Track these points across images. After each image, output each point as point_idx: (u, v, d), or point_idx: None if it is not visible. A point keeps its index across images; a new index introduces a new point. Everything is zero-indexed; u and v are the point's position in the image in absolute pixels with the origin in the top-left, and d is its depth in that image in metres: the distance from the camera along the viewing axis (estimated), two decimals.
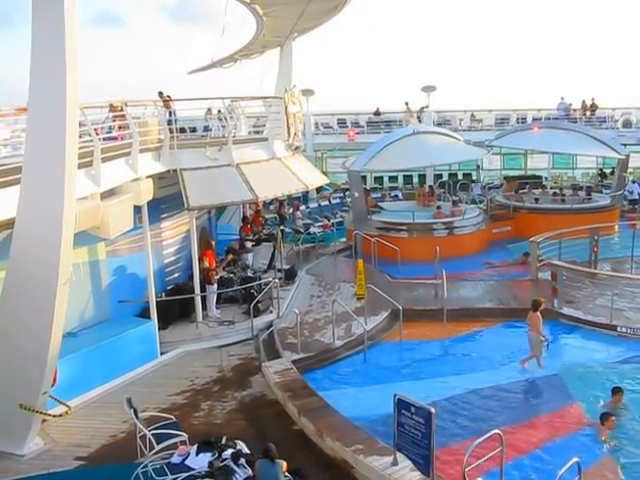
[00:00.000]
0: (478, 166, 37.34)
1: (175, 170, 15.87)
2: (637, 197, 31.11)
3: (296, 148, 20.15)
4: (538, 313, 14.62)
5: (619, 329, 16.47)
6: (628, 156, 29.08)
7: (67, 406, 11.25)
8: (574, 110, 36.90)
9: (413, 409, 9.35)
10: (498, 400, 13.22)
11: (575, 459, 8.75)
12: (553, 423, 12.28)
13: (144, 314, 15.44)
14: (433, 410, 9.09)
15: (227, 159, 16.49)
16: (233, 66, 27.02)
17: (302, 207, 29.34)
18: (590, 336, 16.55)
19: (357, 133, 35.04)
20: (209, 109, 22.18)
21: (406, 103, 36.77)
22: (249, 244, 21.06)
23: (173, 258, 18.21)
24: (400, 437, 9.62)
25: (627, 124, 35.00)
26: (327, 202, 31.59)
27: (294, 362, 14.03)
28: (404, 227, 24.13)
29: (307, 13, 17.69)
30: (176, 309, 16.53)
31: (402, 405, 9.51)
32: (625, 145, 30.52)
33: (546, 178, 35.69)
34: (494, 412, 12.67)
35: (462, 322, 17.09)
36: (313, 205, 30.99)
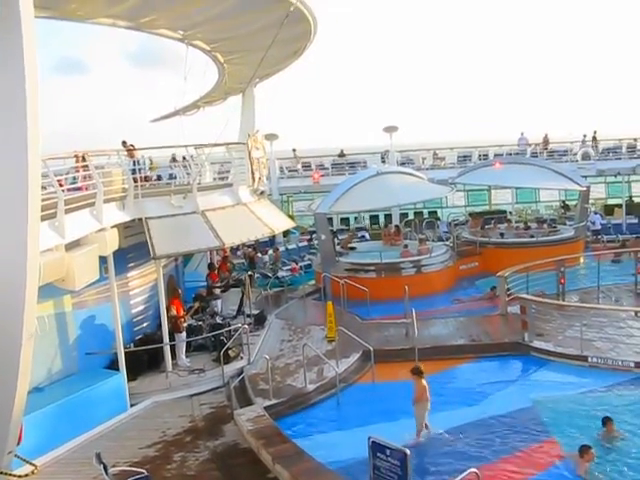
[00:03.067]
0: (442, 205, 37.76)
1: (140, 219, 15.79)
2: (599, 227, 31.70)
3: (261, 193, 20.17)
4: (423, 380, 13.32)
5: (590, 359, 16.61)
6: (589, 187, 29.65)
7: (33, 465, 10.91)
8: (535, 145, 37.74)
9: (388, 451, 9.30)
10: (474, 437, 13.15)
11: None
12: (530, 458, 12.24)
13: (113, 366, 15.20)
14: (408, 452, 9.04)
15: (192, 206, 16.46)
16: (196, 113, 27.08)
17: (270, 251, 29.24)
18: (562, 368, 16.64)
19: (322, 175, 35.21)
20: (173, 157, 22.18)
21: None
22: (217, 290, 20.91)
23: (141, 308, 17.99)
24: None
25: (586, 157, 35.77)
26: (305, 243, 31.60)
27: (266, 408, 13.86)
28: (372, 267, 24.22)
29: (267, 59, 17.83)
30: (145, 359, 16.28)
31: (377, 448, 9.45)
32: (585, 177, 31.13)
33: (510, 212, 36.14)
34: (471, 450, 12.60)
35: (434, 360, 16.97)
36: (281, 249, 30.94)
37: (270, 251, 29.17)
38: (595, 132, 38.57)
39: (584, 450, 11.63)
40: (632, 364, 16.19)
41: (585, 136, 38.50)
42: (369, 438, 9.60)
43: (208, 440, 13.11)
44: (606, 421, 12.79)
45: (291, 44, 19.15)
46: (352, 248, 26.95)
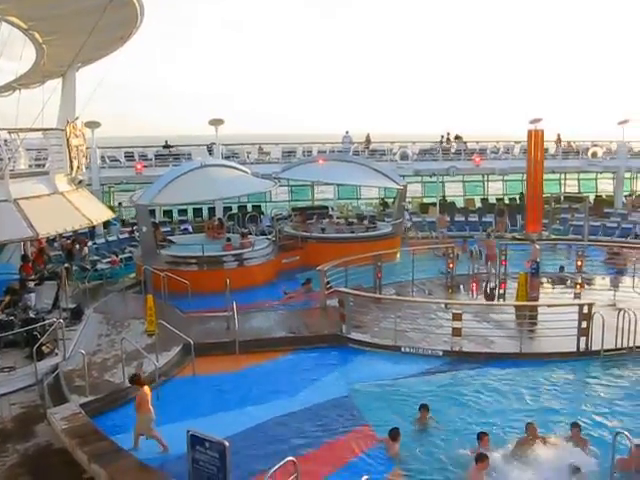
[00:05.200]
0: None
1: None
2: (408, 225, 33.41)
3: (80, 182, 19.38)
4: (144, 388, 12.71)
5: (403, 349, 17.57)
6: (406, 186, 31.10)
7: None
8: (358, 143, 39.06)
9: (207, 444, 9.31)
10: (293, 427, 13.51)
11: (365, 477, 9.16)
12: (347, 444, 12.77)
13: None
14: (227, 444, 9.11)
15: (3, 194, 15.51)
16: (11, 95, 25.51)
17: (89, 243, 28.20)
18: (377, 358, 17.43)
19: (145, 166, 34.36)
20: None
21: None
22: (31, 284, 19.88)
23: None
24: (195, 474, 9.54)
25: (404, 156, 37.49)
26: (127, 235, 30.66)
27: (82, 406, 13.39)
28: (194, 260, 24.06)
29: (91, 43, 17.13)
30: None
31: (196, 441, 9.43)
32: (403, 176, 32.56)
33: (332, 208, 37.14)
34: (290, 439, 12.92)
35: (255, 353, 17.27)
36: (100, 241, 29.90)
37: (90, 243, 28.16)
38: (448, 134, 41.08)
39: (393, 433, 12.39)
40: (441, 352, 17.36)
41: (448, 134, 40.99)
42: (188, 431, 9.56)
43: (18, 442, 12.40)
44: (422, 407, 13.59)
45: (116, 29, 18.51)
46: (170, 241, 26.55)
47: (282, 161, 36.01)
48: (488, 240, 26.40)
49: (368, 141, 39.89)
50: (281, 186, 34.40)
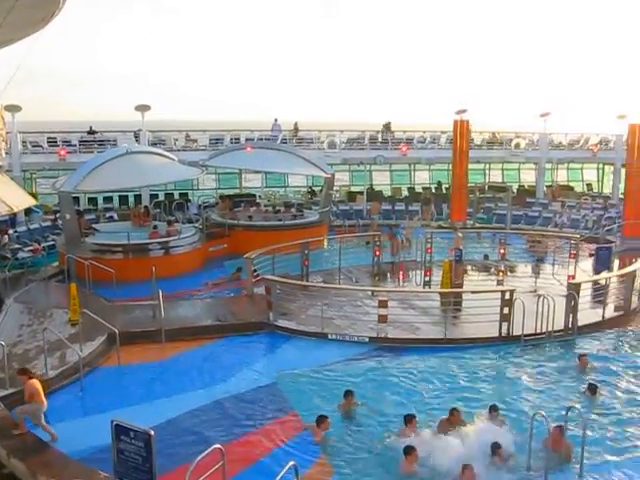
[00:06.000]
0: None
1: None
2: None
3: None
4: (31, 381, 12.04)
5: (330, 336, 17.71)
6: (333, 175, 31.21)
7: None
8: (287, 131, 38.96)
9: (132, 434, 9.18)
10: (220, 415, 13.49)
11: (292, 463, 9.22)
12: (274, 432, 12.79)
13: None
14: (152, 433, 9.01)
15: None
16: None
17: (10, 231, 27.35)
18: (304, 345, 17.53)
19: (69, 152, 33.42)
20: None
21: None
22: None
23: None
24: (120, 464, 9.40)
25: (332, 145, 37.58)
26: (49, 222, 29.80)
27: (2, 399, 12.99)
28: (119, 248, 23.62)
29: (8, 24, 16.53)
30: None
31: (120, 431, 9.30)
32: (331, 165, 32.67)
33: (260, 196, 37.01)
34: (217, 428, 12.88)
35: (181, 341, 17.13)
36: (22, 229, 29.03)
37: (10, 230, 27.33)
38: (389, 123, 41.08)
39: (320, 420, 12.50)
40: (367, 339, 17.59)
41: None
42: (112, 421, 9.42)
43: None
44: (347, 394, 13.71)
45: (36, 10, 17.93)
46: (94, 229, 25.99)
47: (210, 148, 35.54)
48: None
49: (296, 129, 39.87)
50: (208, 174, 34.09)
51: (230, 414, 13.54)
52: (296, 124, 40.26)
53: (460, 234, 22.89)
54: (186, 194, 37.29)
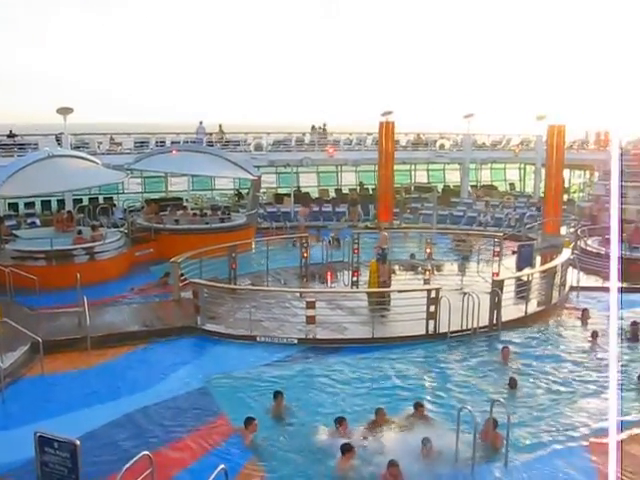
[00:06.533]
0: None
1: None
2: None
3: None
4: None
5: (258, 338, 17.69)
6: (260, 177, 31.19)
7: None
8: (213, 134, 38.74)
9: (57, 444, 9.03)
10: (149, 422, 13.28)
11: (221, 466, 9.21)
12: (203, 436, 12.70)
13: None
14: (78, 443, 8.88)
15: None
16: None
17: None
18: (233, 348, 17.45)
19: None
20: None
21: None
22: None
23: None
24: (45, 477, 9.23)
25: (259, 147, 37.56)
26: None
27: None
28: (42, 255, 23.02)
29: None
30: None
31: (44, 442, 9.13)
32: (258, 167, 32.63)
33: (187, 200, 36.66)
34: (146, 434, 12.71)
35: (108, 348, 16.83)
36: None
37: None
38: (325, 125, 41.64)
39: (247, 422, 12.47)
40: (296, 340, 17.63)
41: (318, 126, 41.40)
42: (35, 433, 9.22)
43: None
44: (276, 395, 13.72)
45: None
46: (15, 235, 25.29)
47: (135, 152, 35.07)
48: None
49: (221, 132, 39.70)
50: (134, 177, 33.67)
51: (159, 420, 13.37)
52: (220, 126, 40.13)
53: (385, 233, 23.17)
54: (111, 198, 36.59)
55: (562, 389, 15.16)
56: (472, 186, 43.82)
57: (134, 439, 12.44)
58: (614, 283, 4.67)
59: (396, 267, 25.20)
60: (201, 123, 38.92)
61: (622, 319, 18.29)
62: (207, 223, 28.53)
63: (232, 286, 21.56)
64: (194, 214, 30.42)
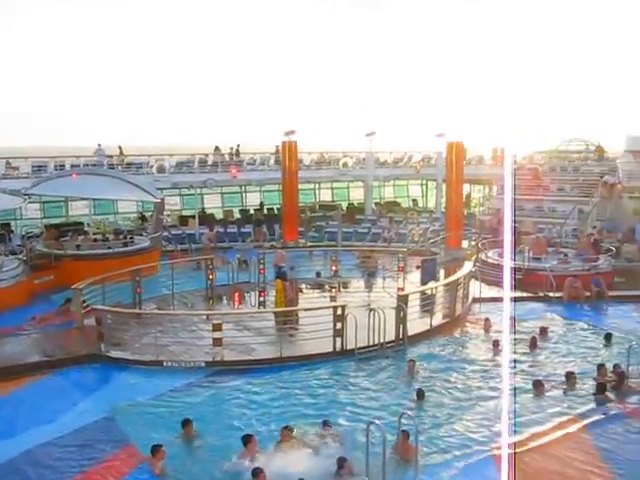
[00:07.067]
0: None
1: None
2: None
3: None
4: None
5: (165, 363, 17.43)
6: (163, 199, 30.80)
7: None
8: (111, 156, 38.03)
9: None
10: (53, 455, 12.85)
11: None
12: (110, 467, 12.40)
13: None
14: None
15: None
16: None
17: None
18: (139, 374, 17.10)
19: None
20: None
21: None
22: None
23: None
24: None
25: (161, 169, 37.13)
26: None
27: None
28: None
29: None
30: None
31: None
32: (161, 189, 32.23)
33: (88, 224, 35.75)
34: (49, 469, 12.33)
35: (7, 381, 16.19)
36: None
37: None
38: (238, 146, 41.38)
39: (155, 450, 12.24)
40: (203, 364, 17.48)
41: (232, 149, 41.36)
42: None
43: None
44: (185, 423, 13.50)
45: None
46: None
47: (32, 176, 34.00)
48: None
49: (122, 153, 39.07)
50: (32, 202, 32.64)
51: (63, 454, 12.95)
52: (120, 148, 39.50)
53: (282, 251, 23.33)
54: (8, 224, 35.21)
55: (466, 397, 15.64)
56: (376, 203, 44.55)
57: (37, 475, 12.11)
58: (507, 293, 4.86)
59: (303, 285, 25.35)
60: (99, 146, 38.16)
61: (515, 328, 19.03)
62: (110, 247, 27.91)
63: (136, 311, 21.19)
64: (95, 239, 29.75)
